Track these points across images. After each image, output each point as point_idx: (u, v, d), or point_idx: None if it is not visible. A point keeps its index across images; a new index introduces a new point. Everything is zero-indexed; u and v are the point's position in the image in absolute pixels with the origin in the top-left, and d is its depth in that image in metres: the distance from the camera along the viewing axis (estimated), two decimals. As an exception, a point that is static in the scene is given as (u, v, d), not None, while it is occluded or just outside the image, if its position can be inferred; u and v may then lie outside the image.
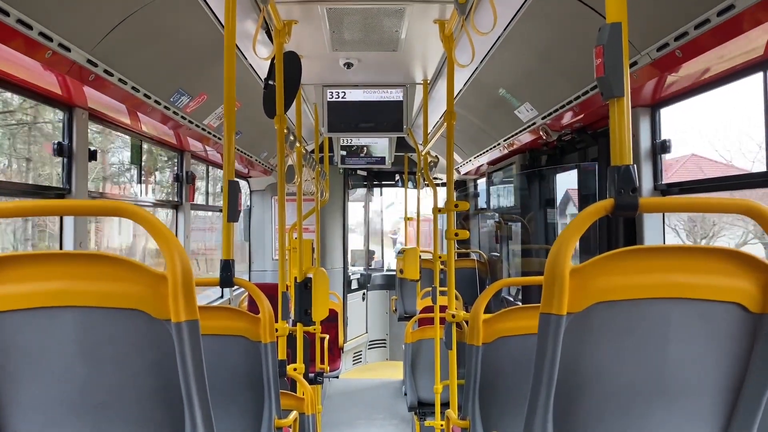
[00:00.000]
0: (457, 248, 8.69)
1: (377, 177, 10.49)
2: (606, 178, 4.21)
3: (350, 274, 9.80)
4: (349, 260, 9.88)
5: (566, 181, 5.38)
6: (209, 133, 4.78)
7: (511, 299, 6.56)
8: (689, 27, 2.42)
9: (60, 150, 3.39)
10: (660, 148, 3.48)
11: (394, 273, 9.60)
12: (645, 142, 3.50)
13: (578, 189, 4.89)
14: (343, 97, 5.26)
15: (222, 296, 6.73)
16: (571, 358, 1.38)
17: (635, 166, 1.41)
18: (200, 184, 6.55)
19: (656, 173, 3.51)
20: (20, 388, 1.44)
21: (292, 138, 4.51)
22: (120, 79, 3.17)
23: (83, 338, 1.44)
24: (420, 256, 6.31)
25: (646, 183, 3.50)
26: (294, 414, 2.77)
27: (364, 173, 10.19)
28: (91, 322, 1.43)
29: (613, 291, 1.37)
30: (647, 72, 2.90)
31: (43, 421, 1.46)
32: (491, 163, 7.09)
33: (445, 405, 4.11)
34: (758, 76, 2.67)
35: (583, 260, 1.37)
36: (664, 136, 3.50)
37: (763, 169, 2.77)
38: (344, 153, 7.62)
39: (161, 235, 1.39)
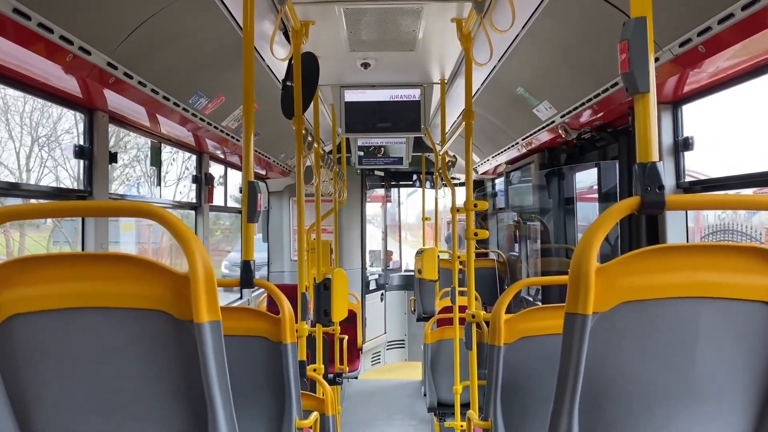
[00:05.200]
0: (476, 248, 8.65)
1: (395, 177, 10.48)
2: (626, 176, 4.16)
3: (368, 274, 9.80)
4: (367, 260, 9.88)
5: (586, 180, 5.33)
6: (227, 134, 4.80)
7: (531, 299, 6.52)
8: (712, 22, 2.38)
9: (81, 152, 3.42)
10: (682, 145, 3.44)
11: (412, 273, 9.59)
12: (667, 139, 3.46)
13: (598, 187, 4.84)
14: (360, 98, 5.25)
15: (241, 297, 6.76)
16: (596, 358, 1.36)
17: (662, 162, 1.39)
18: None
19: (678, 171, 3.47)
20: (45, 388, 1.45)
21: (310, 139, 4.51)
22: (140, 82, 3.19)
23: (107, 339, 1.44)
24: (438, 256, 6.29)
25: (669, 181, 3.46)
26: (315, 415, 2.77)
27: (382, 173, 10.18)
28: (115, 323, 1.43)
29: (639, 290, 1.35)
30: (669, 68, 2.87)
31: (67, 421, 1.47)
32: (509, 162, 7.06)
33: (465, 406, 4.09)
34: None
35: (604, 260, 1.35)
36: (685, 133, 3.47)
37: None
38: (362, 153, 7.63)
39: (183, 236, 1.39)
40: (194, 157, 5.49)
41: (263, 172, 7.61)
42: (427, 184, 9.45)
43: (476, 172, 8.48)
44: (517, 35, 3.72)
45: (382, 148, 7.59)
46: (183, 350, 1.42)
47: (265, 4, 3.28)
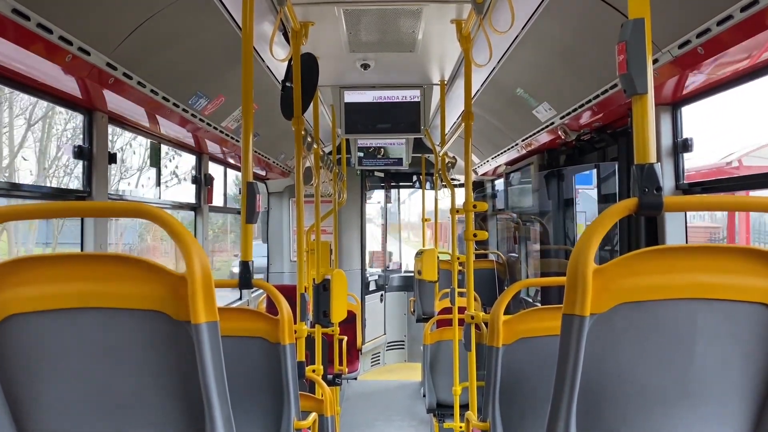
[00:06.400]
0: (476, 249, 8.65)
1: (394, 178, 10.48)
2: (626, 177, 4.14)
3: (368, 275, 9.80)
4: (367, 261, 9.89)
5: (585, 182, 5.33)
6: (227, 135, 4.80)
7: (530, 300, 6.52)
8: (712, 23, 2.38)
9: (80, 153, 3.42)
10: (681, 146, 3.44)
11: (411, 274, 9.59)
12: (666, 140, 3.46)
13: (597, 189, 4.84)
14: (360, 99, 5.26)
15: (240, 298, 6.76)
16: (594, 359, 1.36)
17: (660, 164, 1.39)
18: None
19: (677, 172, 3.47)
20: (42, 388, 1.45)
21: (309, 140, 4.51)
22: (139, 83, 3.19)
23: (104, 339, 1.44)
24: (438, 257, 6.29)
25: (668, 182, 3.46)
26: (313, 416, 2.77)
27: (382, 174, 10.19)
28: (112, 324, 1.43)
29: (636, 291, 1.35)
30: (668, 70, 2.87)
31: (65, 422, 1.47)
32: (509, 163, 7.06)
33: (465, 407, 4.09)
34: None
35: (602, 262, 1.35)
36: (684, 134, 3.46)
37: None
38: (361, 154, 7.63)
39: (181, 237, 1.39)
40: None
41: (263, 173, 7.61)
42: (427, 185, 9.45)
43: (476, 173, 8.48)
44: (517, 36, 3.72)
45: (382, 149, 7.59)
46: (180, 351, 1.42)
47: (264, 5, 3.28)
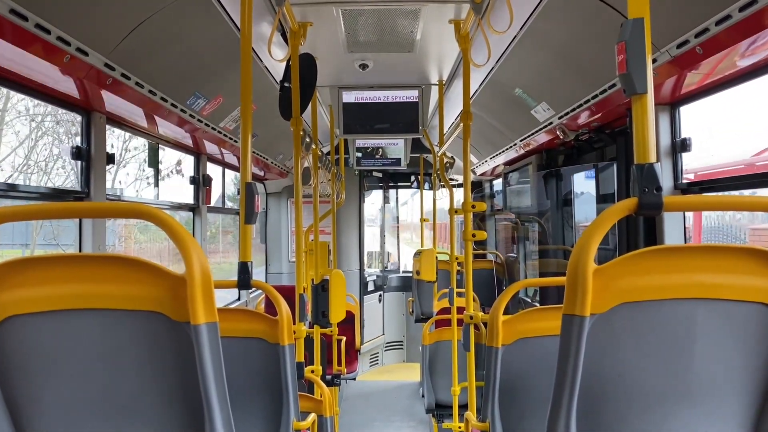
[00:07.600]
0: (474, 249, 8.66)
1: (393, 178, 10.48)
2: (624, 177, 4.15)
3: (366, 275, 9.80)
4: (365, 261, 9.89)
5: (583, 181, 5.33)
6: (225, 135, 4.79)
7: (529, 300, 6.52)
8: (710, 23, 2.38)
9: (78, 153, 3.41)
10: (680, 146, 3.45)
11: (410, 274, 9.60)
12: (665, 140, 3.46)
13: (596, 189, 4.85)
14: (358, 99, 5.25)
15: (239, 298, 6.76)
16: (594, 359, 1.36)
17: (660, 164, 1.39)
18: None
19: (676, 172, 3.48)
20: (42, 389, 1.45)
21: (307, 140, 4.51)
22: (137, 83, 3.18)
23: (104, 340, 1.44)
24: (437, 258, 6.29)
25: (666, 182, 3.47)
26: (312, 416, 2.77)
27: (380, 175, 10.19)
28: (112, 325, 1.43)
29: (636, 291, 1.35)
30: (666, 69, 2.87)
31: (65, 423, 1.46)
32: (507, 163, 7.06)
33: (463, 407, 4.09)
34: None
35: (601, 262, 1.35)
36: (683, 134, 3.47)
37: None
38: (360, 155, 7.63)
39: (180, 238, 1.39)
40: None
41: (261, 174, 7.60)
42: (426, 185, 9.45)
43: (474, 173, 8.48)
44: (515, 36, 3.72)
45: (380, 150, 7.59)
46: (180, 352, 1.42)
47: (262, 5, 3.27)
